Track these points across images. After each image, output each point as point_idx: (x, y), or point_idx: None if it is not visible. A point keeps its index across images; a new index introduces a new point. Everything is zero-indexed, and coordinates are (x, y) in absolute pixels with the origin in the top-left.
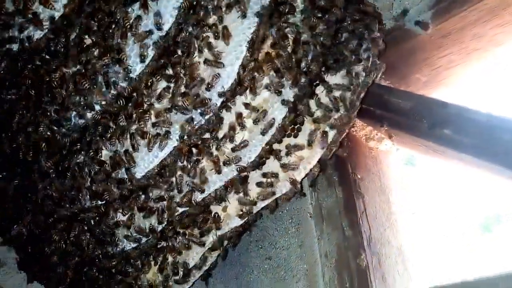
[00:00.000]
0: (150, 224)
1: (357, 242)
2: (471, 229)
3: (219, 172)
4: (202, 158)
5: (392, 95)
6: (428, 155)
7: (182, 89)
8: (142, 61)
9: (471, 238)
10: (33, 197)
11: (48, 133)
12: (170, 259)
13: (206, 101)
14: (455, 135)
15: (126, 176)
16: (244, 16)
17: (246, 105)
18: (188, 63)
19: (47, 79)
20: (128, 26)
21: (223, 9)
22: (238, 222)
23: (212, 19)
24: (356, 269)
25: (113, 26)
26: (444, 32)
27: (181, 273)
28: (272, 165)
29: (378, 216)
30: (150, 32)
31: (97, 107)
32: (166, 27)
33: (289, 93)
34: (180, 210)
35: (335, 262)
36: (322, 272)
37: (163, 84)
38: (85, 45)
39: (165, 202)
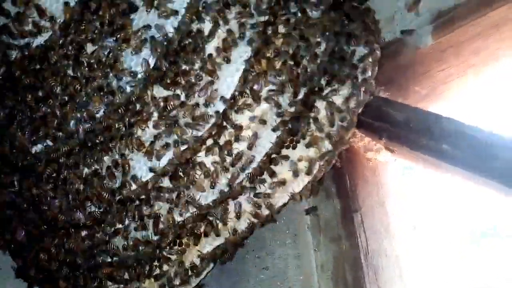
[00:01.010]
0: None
1: (354, 254)
2: (469, 241)
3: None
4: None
5: (390, 107)
6: (426, 168)
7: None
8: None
9: (468, 250)
10: (29, 203)
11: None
12: (165, 268)
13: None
14: (452, 150)
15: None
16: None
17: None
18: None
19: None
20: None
21: None
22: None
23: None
24: (352, 281)
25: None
26: (444, 46)
27: (178, 282)
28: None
29: (376, 228)
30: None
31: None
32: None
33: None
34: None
35: (331, 274)
36: (318, 283)
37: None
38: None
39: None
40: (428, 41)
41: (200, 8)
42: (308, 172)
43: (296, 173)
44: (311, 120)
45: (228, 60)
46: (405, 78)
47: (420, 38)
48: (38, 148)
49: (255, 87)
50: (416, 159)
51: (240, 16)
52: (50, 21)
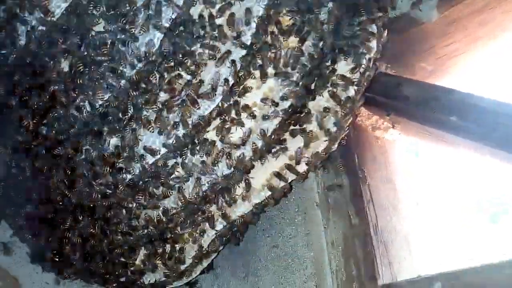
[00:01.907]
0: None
1: (364, 230)
2: (477, 217)
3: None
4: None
5: (397, 83)
6: (434, 143)
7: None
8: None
9: (477, 226)
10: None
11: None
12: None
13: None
14: (461, 122)
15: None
16: None
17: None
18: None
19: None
20: None
21: None
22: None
23: None
24: (363, 257)
25: None
26: (450, 19)
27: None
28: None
29: (384, 205)
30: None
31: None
32: None
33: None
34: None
35: (342, 250)
36: (329, 260)
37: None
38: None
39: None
40: (434, 16)
41: None
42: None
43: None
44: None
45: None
46: (411, 54)
47: (425, 12)
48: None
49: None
50: (423, 135)
51: None
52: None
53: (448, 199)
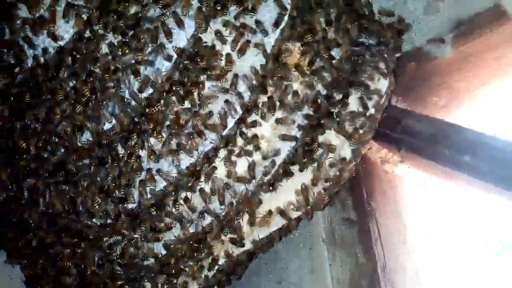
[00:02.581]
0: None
1: (371, 269)
2: (488, 254)
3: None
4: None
5: (409, 118)
6: (443, 179)
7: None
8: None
9: (486, 264)
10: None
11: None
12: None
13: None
14: (473, 162)
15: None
16: None
17: None
18: None
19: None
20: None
21: None
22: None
23: None
24: None
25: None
26: (464, 55)
27: None
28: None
29: (393, 242)
30: None
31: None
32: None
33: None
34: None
35: None
36: None
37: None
38: None
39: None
40: (447, 51)
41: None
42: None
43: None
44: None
45: None
46: (423, 88)
47: (439, 47)
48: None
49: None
50: (434, 171)
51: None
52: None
53: (458, 237)
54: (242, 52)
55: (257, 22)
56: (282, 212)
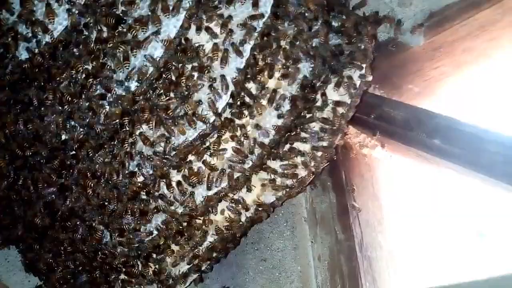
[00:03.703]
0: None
1: (349, 246)
2: (463, 234)
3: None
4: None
5: (385, 104)
6: (420, 163)
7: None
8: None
9: (463, 243)
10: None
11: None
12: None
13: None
14: (444, 145)
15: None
16: None
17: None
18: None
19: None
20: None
21: None
22: None
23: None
24: (348, 272)
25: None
26: (436, 45)
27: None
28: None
29: (370, 221)
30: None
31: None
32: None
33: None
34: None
35: (327, 265)
36: (315, 274)
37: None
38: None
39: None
40: (421, 41)
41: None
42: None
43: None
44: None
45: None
46: (399, 76)
47: (413, 38)
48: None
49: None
50: (409, 155)
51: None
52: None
53: (433, 217)
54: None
55: None
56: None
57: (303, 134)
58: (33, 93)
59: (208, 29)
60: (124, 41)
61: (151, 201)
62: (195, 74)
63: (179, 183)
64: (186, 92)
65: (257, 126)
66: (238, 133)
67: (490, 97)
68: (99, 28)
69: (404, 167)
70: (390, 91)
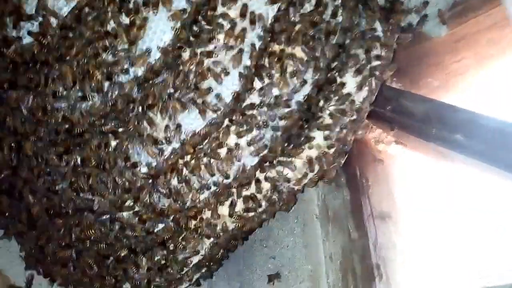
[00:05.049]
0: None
1: (363, 245)
2: (480, 235)
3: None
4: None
5: (403, 98)
6: (438, 159)
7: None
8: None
9: (480, 243)
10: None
11: None
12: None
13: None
14: (466, 141)
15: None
16: None
17: None
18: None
19: None
20: None
21: None
22: None
23: None
24: (361, 272)
25: None
26: (458, 36)
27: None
28: None
29: (385, 219)
30: None
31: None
32: None
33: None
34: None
35: (340, 264)
36: (326, 273)
37: None
38: None
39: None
40: (442, 32)
41: None
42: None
43: None
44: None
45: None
46: (418, 68)
47: (434, 28)
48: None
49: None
50: (427, 151)
51: None
52: None
53: (450, 215)
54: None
55: None
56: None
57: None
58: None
59: None
60: None
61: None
62: None
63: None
64: None
65: None
66: None
67: None
68: None
69: (421, 164)
70: (409, 84)
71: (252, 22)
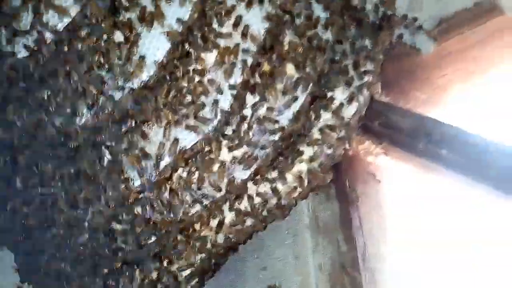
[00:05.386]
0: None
1: (352, 257)
2: (466, 247)
3: None
4: None
5: (391, 112)
6: (425, 173)
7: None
8: None
9: (467, 256)
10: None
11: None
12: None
13: None
14: (450, 155)
15: None
16: None
17: None
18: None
19: None
20: None
21: None
22: None
23: None
24: (350, 284)
25: None
26: (445, 52)
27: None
28: None
29: (374, 232)
30: None
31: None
32: None
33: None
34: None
35: (329, 276)
36: (315, 284)
37: None
38: None
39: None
40: (430, 47)
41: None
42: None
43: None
44: None
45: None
46: (406, 82)
47: (422, 43)
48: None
49: None
50: (415, 164)
51: None
52: None
53: (438, 229)
54: None
55: None
56: None
57: None
58: None
59: None
60: None
61: None
62: None
63: None
64: None
65: None
66: None
67: (499, 108)
68: None
69: (409, 177)
70: (397, 97)
71: (245, 37)
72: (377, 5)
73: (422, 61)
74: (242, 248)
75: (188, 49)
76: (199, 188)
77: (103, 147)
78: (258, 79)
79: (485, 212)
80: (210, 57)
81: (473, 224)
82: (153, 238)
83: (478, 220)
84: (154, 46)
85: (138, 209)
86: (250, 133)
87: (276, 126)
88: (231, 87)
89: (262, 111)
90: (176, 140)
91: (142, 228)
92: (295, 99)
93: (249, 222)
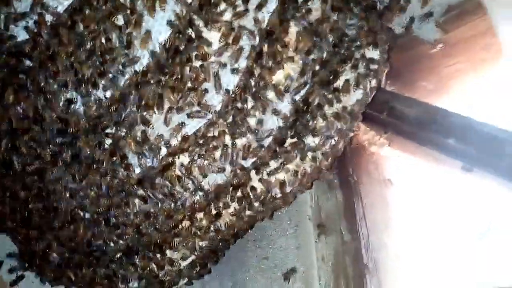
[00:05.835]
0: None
1: (355, 247)
2: (470, 237)
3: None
4: None
5: (396, 101)
6: (431, 163)
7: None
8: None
9: (469, 246)
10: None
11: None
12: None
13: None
14: (458, 145)
15: None
16: None
17: None
18: None
19: None
20: None
21: None
22: None
23: None
24: (353, 274)
25: None
26: (453, 40)
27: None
28: None
29: (377, 222)
30: None
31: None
32: None
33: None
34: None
35: (332, 266)
36: (318, 275)
37: None
38: None
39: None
40: (437, 36)
41: None
42: None
43: None
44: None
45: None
46: (412, 72)
47: (429, 32)
48: None
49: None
50: (420, 154)
51: None
52: None
53: (442, 219)
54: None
55: None
56: None
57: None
58: None
59: None
60: None
61: None
62: None
63: None
64: None
65: None
66: None
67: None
68: None
69: (413, 167)
70: (402, 87)
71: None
72: None
73: (429, 50)
74: (243, 238)
75: (190, 33)
76: (201, 176)
77: (103, 134)
78: (264, 62)
79: (493, 203)
80: (214, 40)
81: (479, 215)
82: (154, 227)
83: (485, 210)
84: (157, 30)
85: (138, 197)
86: (254, 119)
87: (280, 114)
88: (235, 71)
89: (266, 97)
90: (178, 126)
91: (142, 216)
92: (305, 84)
93: (251, 211)
